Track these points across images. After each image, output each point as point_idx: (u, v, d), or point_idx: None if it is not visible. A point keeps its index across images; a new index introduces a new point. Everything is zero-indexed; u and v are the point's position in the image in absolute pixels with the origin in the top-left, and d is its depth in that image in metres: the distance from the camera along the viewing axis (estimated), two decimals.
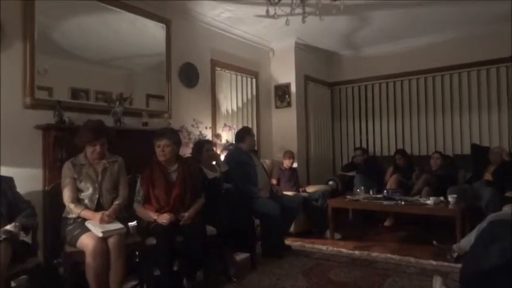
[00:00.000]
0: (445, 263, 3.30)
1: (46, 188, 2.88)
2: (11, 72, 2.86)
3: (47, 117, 2.95)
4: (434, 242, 3.75)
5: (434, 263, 3.35)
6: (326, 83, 6.48)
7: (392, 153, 5.61)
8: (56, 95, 3.11)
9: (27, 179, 2.75)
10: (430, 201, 3.96)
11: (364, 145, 6.17)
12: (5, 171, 2.49)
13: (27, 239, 2.34)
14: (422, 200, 4.13)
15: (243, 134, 4.05)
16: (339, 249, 3.89)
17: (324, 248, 3.95)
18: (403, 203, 4.06)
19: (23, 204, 2.40)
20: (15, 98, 2.89)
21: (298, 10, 3.15)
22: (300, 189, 4.83)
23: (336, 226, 4.39)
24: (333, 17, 4.31)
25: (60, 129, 2.93)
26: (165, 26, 4.04)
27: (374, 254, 3.68)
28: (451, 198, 3.88)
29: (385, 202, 4.16)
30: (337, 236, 4.35)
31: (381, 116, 6.09)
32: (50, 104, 3.00)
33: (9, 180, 2.42)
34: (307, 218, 4.55)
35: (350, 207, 4.87)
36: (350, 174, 5.40)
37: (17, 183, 2.48)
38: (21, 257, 2.18)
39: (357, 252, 3.77)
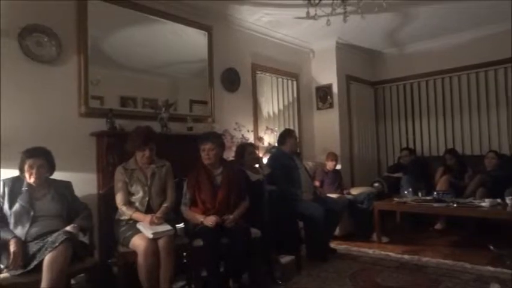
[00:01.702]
0: (504, 270, 3.09)
1: (100, 191, 3.06)
2: (68, 84, 3.08)
3: (100, 124, 3.13)
4: (491, 247, 3.53)
5: (491, 269, 3.15)
6: (369, 83, 6.32)
7: (441, 153, 5.34)
8: (107, 103, 3.30)
9: (83, 183, 2.92)
10: (486, 203, 3.73)
11: (410, 145, 5.94)
12: (63, 176, 2.66)
13: (85, 239, 2.49)
14: (476, 202, 3.90)
15: (284, 137, 4.05)
16: (387, 253, 3.77)
17: (370, 251, 3.85)
18: (455, 205, 3.85)
19: (81, 206, 2.56)
20: (71, 107, 3.09)
21: (339, 10, 3.10)
22: (344, 192, 4.74)
23: (383, 229, 4.26)
24: (374, 14, 4.20)
25: (112, 135, 3.10)
26: (206, 33, 4.15)
27: (425, 259, 3.53)
28: (509, 200, 3.63)
29: (436, 204, 3.97)
30: (385, 239, 4.22)
31: (429, 115, 5.83)
32: (102, 112, 3.18)
33: (68, 185, 2.59)
34: (353, 220, 4.45)
35: (398, 210, 4.70)
36: (396, 175, 5.21)
37: (74, 187, 2.65)
38: (80, 256, 2.31)
39: (406, 256, 3.63)
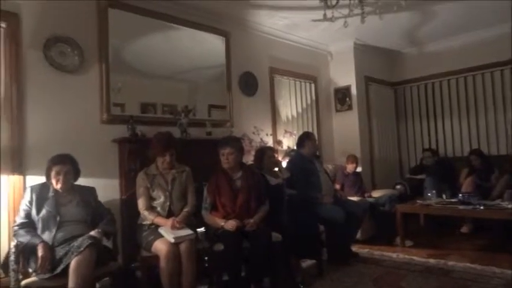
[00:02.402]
0: None
1: (123, 196, 3.11)
2: (90, 92, 3.16)
3: (122, 131, 3.20)
4: None
5: None
6: (389, 83, 6.22)
7: (466, 153, 5.20)
8: (127, 110, 3.36)
9: (106, 189, 2.98)
10: None
11: (433, 146, 5.80)
12: (87, 181, 2.72)
13: (109, 244, 2.54)
14: (504, 204, 3.76)
15: (303, 140, 4.02)
16: (411, 257, 3.68)
17: (394, 255, 3.77)
18: (482, 207, 3.73)
19: (104, 211, 2.62)
20: (94, 114, 3.17)
21: (357, 11, 3.08)
22: (365, 194, 4.67)
23: (406, 232, 4.17)
24: (393, 14, 4.15)
25: (133, 141, 3.16)
26: (224, 38, 4.19)
27: (451, 263, 3.43)
28: None
29: (461, 207, 3.86)
30: (408, 243, 4.12)
31: (451, 114, 5.69)
32: (124, 118, 3.25)
33: (92, 190, 2.65)
34: (374, 224, 4.38)
35: (421, 213, 4.59)
36: (419, 177, 5.10)
37: (97, 192, 2.70)
38: (104, 260, 2.36)
39: (431, 260, 3.54)
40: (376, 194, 4.74)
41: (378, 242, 4.23)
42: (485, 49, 5.23)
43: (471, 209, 3.79)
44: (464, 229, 4.54)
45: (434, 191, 4.33)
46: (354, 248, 3.89)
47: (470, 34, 5.28)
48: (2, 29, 2.75)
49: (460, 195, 4.06)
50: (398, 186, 5.13)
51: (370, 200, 4.49)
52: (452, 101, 5.69)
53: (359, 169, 4.98)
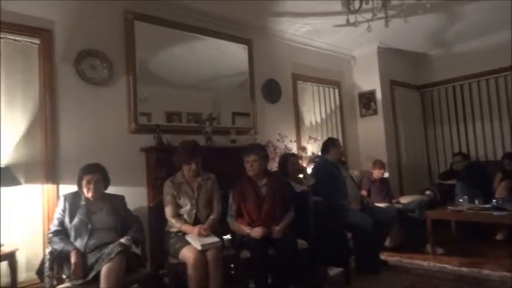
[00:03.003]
0: None
1: (150, 204, 3.18)
2: (119, 103, 3.27)
3: (148, 140, 3.28)
4: None
5: None
6: (415, 86, 6.09)
7: (499, 157, 5.00)
8: (154, 119, 3.45)
9: (134, 197, 3.05)
10: None
11: (464, 150, 5.61)
12: (116, 190, 2.79)
13: (138, 251, 2.59)
14: None
15: (327, 146, 3.99)
16: (443, 265, 3.56)
17: (424, 263, 3.66)
18: None
19: (133, 219, 2.68)
20: (122, 124, 3.27)
21: (380, 14, 3.04)
22: (393, 201, 4.56)
23: (437, 240, 4.04)
24: (418, 16, 4.07)
25: (160, 150, 3.23)
26: (246, 46, 4.23)
27: (485, 272, 3.29)
28: None
29: (495, 213, 3.70)
30: (440, 250, 3.99)
31: (482, 117, 5.49)
32: (150, 128, 3.33)
33: (121, 198, 2.72)
34: (404, 231, 4.26)
35: (453, 219, 4.43)
36: (450, 182, 4.94)
37: (126, 200, 2.77)
38: (134, 267, 2.41)
39: (464, 269, 3.41)
40: (404, 200, 4.63)
41: (407, 249, 4.10)
42: None
43: (506, 215, 3.62)
44: (499, 236, 4.35)
45: (466, 197, 4.17)
46: (383, 256, 3.80)
47: (499, 34, 5.09)
48: (36, 46, 2.89)
49: (494, 200, 3.90)
50: (427, 192, 4.98)
51: (398, 206, 4.39)
52: (482, 103, 5.50)
53: (386, 175, 4.89)
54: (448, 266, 3.51)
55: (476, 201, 4.09)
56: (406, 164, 5.64)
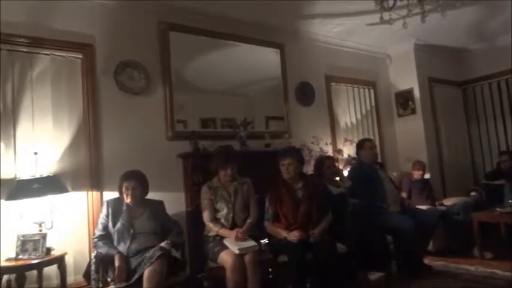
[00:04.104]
0: None
1: (188, 209, 3.24)
2: (156, 111, 3.38)
3: (185, 146, 3.36)
4: None
5: None
6: (455, 83, 5.83)
7: None
8: (189, 126, 3.52)
9: (172, 202, 3.11)
10: None
11: (511, 148, 5.29)
12: (155, 195, 2.87)
13: (177, 255, 2.63)
14: None
15: (360, 147, 3.92)
16: (492, 270, 3.36)
17: (472, 268, 3.47)
18: None
19: (172, 224, 2.74)
20: (160, 132, 3.38)
21: (416, 10, 2.95)
22: (436, 203, 4.38)
23: (485, 243, 3.82)
24: (456, 10, 3.91)
25: (196, 156, 3.30)
26: (278, 50, 4.24)
27: None
28: None
29: None
30: (488, 254, 3.78)
31: None
32: (186, 134, 3.41)
33: (161, 204, 2.80)
34: (448, 234, 4.07)
35: (502, 222, 4.18)
36: (497, 183, 4.66)
37: (165, 205, 2.85)
38: (174, 271, 2.47)
39: None
40: (448, 202, 4.43)
41: (452, 253, 3.91)
42: None
43: None
44: None
45: None
46: (427, 260, 3.65)
47: None
48: (79, 60, 3.06)
49: None
50: (473, 193, 4.74)
51: (441, 208, 4.21)
52: None
53: (427, 176, 4.70)
54: (498, 271, 3.31)
55: None
56: (448, 164, 5.39)
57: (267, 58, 4.18)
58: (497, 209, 3.95)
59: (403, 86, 5.35)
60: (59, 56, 2.96)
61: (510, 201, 3.94)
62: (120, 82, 3.19)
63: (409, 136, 5.27)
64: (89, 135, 3.01)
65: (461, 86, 5.87)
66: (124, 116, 3.21)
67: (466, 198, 4.50)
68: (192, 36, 3.63)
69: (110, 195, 2.85)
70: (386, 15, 3.02)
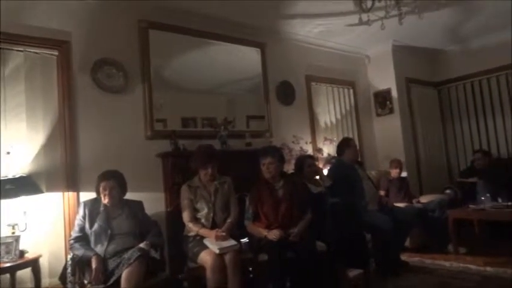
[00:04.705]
0: None
1: (168, 209, 3.21)
2: (135, 110, 3.33)
3: (165, 145, 3.32)
4: None
5: None
6: (432, 84, 5.97)
7: None
8: (169, 125, 3.48)
9: (152, 202, 3.07)
10: None
11: (484, 147, 5.47)
12: (134, 195, 2.83)
13: (157, 255, 2.60)
14: None
15: (341, 147, 3.95)
16: (466, 265, 3.48)
17: (447, 264, 3.58)
18: None
19: (151, 224, 2.71)
20: (139, 131, 3.33)
21: (394, 12, 3.01)
22: (413, 200, 4.48)
23: (460, 239, 3.94)
24: (433, 12, 4.00)
25: (176, 156, 3.27)
26: (259, 49, 4.24)
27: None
28: None
29: None
30: (462, 250, 3.90)
31: (503, 112, 5.33)
32: (166, 134, 3.37)
33: (140, 204, 2.76)
34: (424, 231, 4.17)
35: (475, 218, 4.32)
36: (471, 180, 4.81)
37: (144, 205, 2.80)
38: (153, 271, 2.44)
39: (489, 268, 3.32)
40: (424, 199, 4.54)
41: (428, 250, 4.02)
42: None
43: None
44: None
45: (488, 195, 4.07)
46: (403, 257, 3.73)
47: None
48: (55, 57, 2.97)
49: None
50: (448, 191, 4.86)
51: (418, 206, 4.31)
52: (503, 98, 5.34)
53: (404, 174, 4.80)
54: (472, 266, 3.43)
55: (499, 199, 3.98)
56: (425, 162, 5.53)
57: (248, 57, 4.18)
58: (471, 206, 4.08)
59: (381, 86, 5.45)
60: (33, 52, 2.87)
61: (483, 198, 4.07)
62: (97, 80, 3.13)
63: (387, 135, 5.38)
64: (65, 134, 2.93)
65: (437, 87, 6.02)
66: (102, 114, 3.14)
67: (441, 196, 4.62)
68: (172, 35, 3.59)
69: (87, 195, 2.78)
70: (364, 17, 3.07)
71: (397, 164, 4.67)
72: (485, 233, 4.48)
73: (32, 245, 2.63)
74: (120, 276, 2.23)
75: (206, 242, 2.65)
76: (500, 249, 3.93)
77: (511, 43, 5.05)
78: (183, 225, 2.84)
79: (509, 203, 3.84)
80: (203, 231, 2.72)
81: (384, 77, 5.41)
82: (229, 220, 2.83)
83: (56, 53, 2.98)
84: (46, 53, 2.94)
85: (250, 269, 2.83)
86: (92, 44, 3.15)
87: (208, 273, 2.47)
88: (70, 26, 3.06)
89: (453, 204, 4.39)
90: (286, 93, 4.51)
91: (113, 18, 3.30)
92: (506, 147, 5.32)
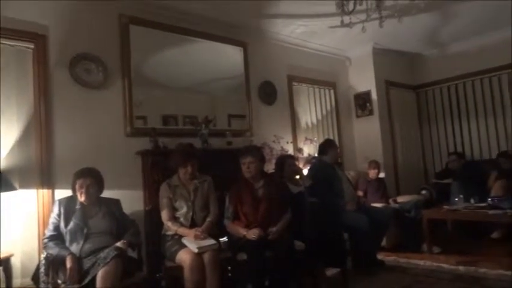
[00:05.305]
0: None
1: (146, 207, 3.16)
2: (114, 106, 3.26)
3: (144, 143, 3.28)
4: None
5: None
6: (410, 87, 6.11)
7: (494, 156, 5.03)
8: (150, 122, 3.44)
9: (130, 200, 3.04)
10: None
11: (459, 149, 5.64)
12: (112, 193, 2.78)
13: (134, 254, 2.58)
14: None
15: (325, 147, 4.00)
16: (439, 264, 3.57)
17: (421, 263, 3.67)
18: None
19: (129, 223, 2.67)
20: (118, 128, 3.27)
21: (374, 15, 3.06)
22: (390, 200, 4.57)
23: (434, 239, 4.05)
24: (412, 16, 4.09)
25: (156, 153, 3.23)
26: (242, 48, 4.24)
27: (482, 270, 3.30)
28: None
29: (491, 212, 3.72)
30: (436, 249, 4.00)
31: (477, 116, 5.52)
32: (146, 131, 3.32)
33: (117, 202, 2.71)
34: (400, 230, 4.27)
35: (448, 218, 4.45)
36: (445, 181, 4.96)
37: (122, 204, 2.75)
38: (130, 271, 2.40)
39: (461, 267, 3.42)
40: (401, 199, 4.64)
41: (404, 249, 4.11)
42: (510, 47, 5.06)
43: (502, 214, 3.64)
44: (494, 235, 4.37)
45: (461, 196, 4.20)
46: (380, 256, 3.81)
47: (494, 33, 5.12)
48: (30, 50, 2.88)
49: (490, 199, 3.93)
50: (423, 192, 5.00)
51: (394, 206, 4.40)
52: (477, 102, 5.52)
53: (382, 175, 4.90)
54: (444, 265, 3.53)
55: (472, 200, 4.11)
56: (402, 163, 5.66)
57: (230, 56, 4.17)
58: (445, 206, 4.19)
59: (361, 88, 5.54)
60: (7, 45, 2.78)
61: (456, 199, 4.20)
62: (75, 75, 3.05)
63: (367, 136, 5.47)
64: (40, 130, 2.85)
65: (415, 90, 6.17)
66: (79, 110, 3.07)
67: (417, 197, 4.74)
68: (154, 31, 3.54)
69: (63, 193, 2.71)
70: (346, 19, 3.10)
71: (375, 165, 4.75)
72: (459, 232, 4.63)
73: (3, 244, 2.53)
74: (95, 276, 2.19)
75: (185, 241, 2.63)
76: (472, 248, 4.07)
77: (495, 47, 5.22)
78: (161, 224, 2.80)
79: (481, 204, 3.97)
80: (182, 231, 2.70)
81: (364, 79, 5.50)
82: (208, 219, 2.82)
83: (32, 46, 2.89)
84: (21, 46, 2.84)
85: (229, 268, 2.83)
86: (71, 38, 3.07)
87: (187, 273, 2.46)
88: (47, 19, 2.97)
89: (429, 205, 4.51)
90: (267, 93, 4.52)
91: (93, 12, 3.23)
92: (480, 149, 5.50)
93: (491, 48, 5.24)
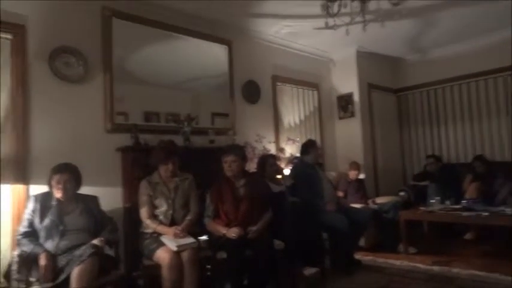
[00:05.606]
0: None
1: (125, 205, 3.12)
2: (95, 101, 3.19)
3: (125, 139, 3.22)
4: None
5: None
6: (391, 90, 6.23)
7: (469, 159, 5.17)
8: (131, 119, 3.38)
9: (109, 197, 2.98)
10: None
11: (436, 152, 5.78)
12: (90, 190, 2.73)
13: (111, 252, 2.53)
14: (508, 211, 3.73)
15: (307, 147, 4.03)
16: (415, 264, 3.66)
17: (397, 262, 3.75)
18: (485, 214, 3.71)
19: (107, 220, 2.62)
20: (98, 123, 3.20)
21: (358, 19, 3.10)
22: (369, 201, 4.65)
23: (410, 240, 4.14)
24: (395, 22, 4.16)
25: (136, 150, 3.18)
26: (227, 46, 4.22)
27: (455, 270, 3.40)
28: None
29: (465, 213, 3.84)
30: (412, 250, 4.09)
31: (455, 121, 5.68)
32: (127, 127, 3.27)
33: (95, 199, 2.66)
34: (378, 231, 4.35)
35: (424, 220, 4.56)
36: (423, 184, 5.08)
37: (100, 201, 2.71)
38: (106, 269, 2.36)
39: (435, 267, 3.52)
40: (379, 201, 4.72)
41: (381, 249, 4.19)
42: (488, 55, 5.22)
43: (475, 216, 3.76)
44: (468, 236, 4.51)
45: (437, 198, 4.32)
46: (357, 256, 3.87)
47: (473, 40, 5.28)
48: (9, 41, 2.80)
49: (464, 201, 4.05)
50: (401, 193, 5.10)
51: (373, 207, 4.48)
52: (455, 107, 5.68)
53: (362, 176, 4.97)
54: (420, 265, 3.61)
55: (448, 202, 4.22)
56: (382, 165, 5.76)
57: (215, 54, 4.15)
58: (421, 208, 4.29)
59: (344, 89, 5.61)
60: None
61: (432, 201, 4.30)
62: (55, 68, 2.97)
63: (348, 138, 5.55)
64: (16, 124, 2.76)
65: (396, 93, 6.29)
66: (58, 104, 2.99)
67: (395, 198, 4.83)
68: (137, 26, 3.49)
69: (39, 189, 2.64)
70: (331, 21, 3.14)
71: (355, 166, 4.82)
72: (434, 233, 4.75)
73: None
74: (70, 274, 2.14)
75: (163, 239, 2.62)
76: (446, 249, 4.18)
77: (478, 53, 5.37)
78: (140, 221, 2.77)
79: (456, 206, 4.09)
80: (161, 229, 2.68)
81: (347, 81, 5.57)
82: (188, 218, 2.81)
83: (10, 36, 2.80)
84: None
85: (208, 266, 2.82)
86: (51, 30, 2.99)
87: (165, 271, 2.44)
88: (26, 10, 2.88)
89: (407, 206, 4.60)
90: (251, 92, 4.52)
91: (75, 4, 3.15)
92: (456, 153, 5.65)
93: (468, 55, 5.41)
